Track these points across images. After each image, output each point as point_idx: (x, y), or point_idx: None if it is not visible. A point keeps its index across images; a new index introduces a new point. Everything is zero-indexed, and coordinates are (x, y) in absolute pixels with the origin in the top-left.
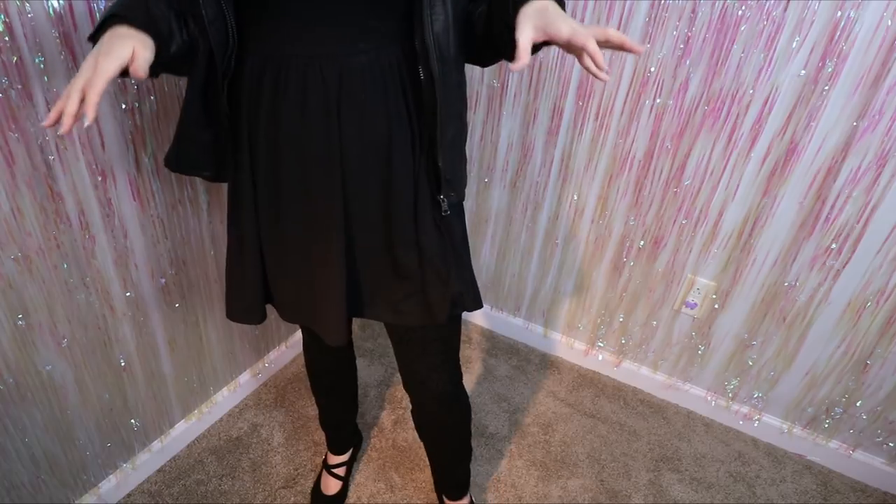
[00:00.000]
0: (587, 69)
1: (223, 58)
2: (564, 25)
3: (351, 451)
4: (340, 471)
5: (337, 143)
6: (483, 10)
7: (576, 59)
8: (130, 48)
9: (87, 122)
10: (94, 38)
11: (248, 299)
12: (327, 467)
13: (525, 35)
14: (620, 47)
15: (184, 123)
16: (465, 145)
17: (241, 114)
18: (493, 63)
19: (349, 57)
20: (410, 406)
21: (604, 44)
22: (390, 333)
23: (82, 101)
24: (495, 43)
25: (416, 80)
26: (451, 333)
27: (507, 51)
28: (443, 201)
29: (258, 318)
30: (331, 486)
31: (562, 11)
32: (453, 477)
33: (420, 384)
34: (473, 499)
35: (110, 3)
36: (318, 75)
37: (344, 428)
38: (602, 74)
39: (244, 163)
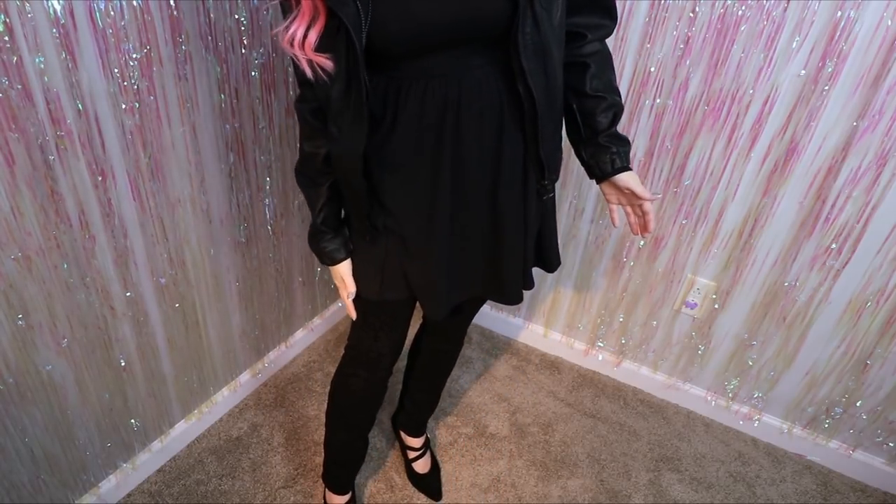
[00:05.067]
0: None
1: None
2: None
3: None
4: None
5: (451, 152)
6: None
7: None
8: (351, 280)
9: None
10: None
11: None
12: None
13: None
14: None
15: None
16: (561, 137)
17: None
18: None
19: (465, 73)
20: (421, 347)
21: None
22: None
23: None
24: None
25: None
26: None
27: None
28: (546, 186)
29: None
30: None
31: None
32: (420, 415)
33: (455, 333)
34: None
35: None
36: (438, 93)
37: (358, 465)
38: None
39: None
